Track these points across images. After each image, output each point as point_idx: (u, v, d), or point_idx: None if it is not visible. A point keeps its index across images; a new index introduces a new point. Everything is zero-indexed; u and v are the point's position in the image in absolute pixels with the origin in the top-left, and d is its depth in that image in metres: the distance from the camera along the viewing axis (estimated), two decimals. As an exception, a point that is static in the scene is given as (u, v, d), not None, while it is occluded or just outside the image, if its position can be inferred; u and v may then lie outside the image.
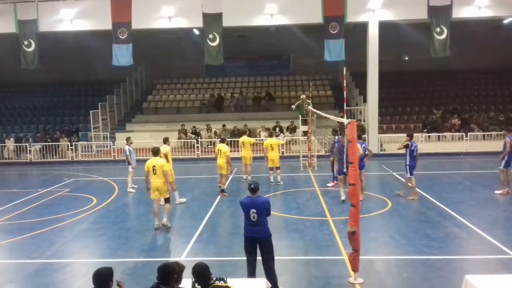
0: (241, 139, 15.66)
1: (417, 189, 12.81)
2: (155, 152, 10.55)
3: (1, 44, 21.77)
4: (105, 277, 4.34)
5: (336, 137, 13.95)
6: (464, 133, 21.23)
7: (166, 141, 13.02)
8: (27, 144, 22.19)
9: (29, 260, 8.66)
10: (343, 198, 12.06)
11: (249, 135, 16.12)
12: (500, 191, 12.75)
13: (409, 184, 12.53)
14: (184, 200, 12.84)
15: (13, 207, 12.82)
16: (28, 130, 25.39)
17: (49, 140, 22.54)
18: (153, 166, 10.20)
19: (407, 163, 12.31)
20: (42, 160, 21.75)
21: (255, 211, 6.83)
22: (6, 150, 22.27)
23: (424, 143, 20.56)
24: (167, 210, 10.46)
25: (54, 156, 21.94)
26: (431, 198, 12.43)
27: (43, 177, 18.15)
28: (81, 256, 9.08)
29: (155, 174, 10.18)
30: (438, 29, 19.53)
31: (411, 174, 12.31)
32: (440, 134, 21.65)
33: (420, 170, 16.48)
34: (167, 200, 10.46)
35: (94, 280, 4.31)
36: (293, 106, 19.18)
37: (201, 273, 4.64)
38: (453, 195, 12.88)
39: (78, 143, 22.41)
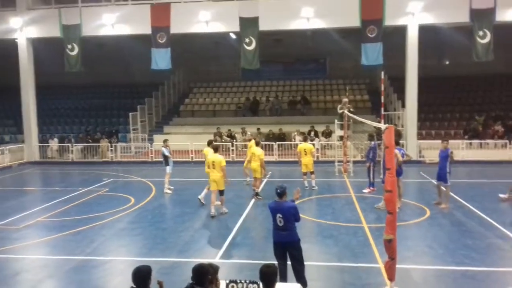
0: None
1: (458, 197, 12.43)
2: (215, 148, 12.04)
3: (46, 47, 22.68)
4: (145, 275, 4.44)
5: (373, 143, 13.74)
6: (507, 140, 20.41)
7: (210, 144, 13.25)
8: (70, 144, 22.98)
9: (69, 257, 8.95)
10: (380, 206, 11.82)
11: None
12: None
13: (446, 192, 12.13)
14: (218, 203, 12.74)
15: (55, 205, 13.29)
16: (70, 131, 26.31)
17: (90, 140, 23.27)
18: (213, 161, 11.56)
19: (448, 170, 11.88)
20: (83, 160, 22.47)
21: (281, 215, 6.80)
22: (50, 150, 23.14)
23: (466, 150, 19.93)
24: (222, 201, 11.83)
25: (95, 156, 22.63)
26: (472, 207, 12.02)
27: (84, 176, 18.74)
28: (119, 254, 9.31)
29: (214, 168, 11.53)
30: (480, 33, 18.91)
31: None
32: (482, 141, 20.91)
33: (461, 178, 16.11)
34: (221, 192, 11.74)
35: (134, 278, 4.41)
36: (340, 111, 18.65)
37: (272, 274, 4.55)
38: (496, 204, 12.40)
39: (117, 144, 23.02)
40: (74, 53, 21.33)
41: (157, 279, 4.58)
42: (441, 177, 12.04)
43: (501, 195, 12.85)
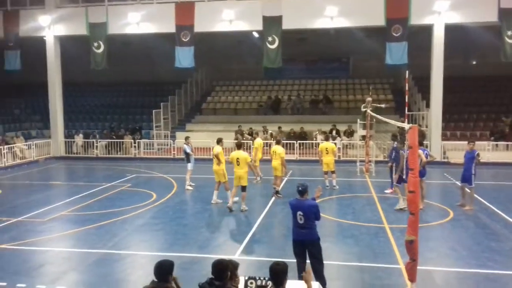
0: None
1: (482, 200, 12.17)
2: (239, 145, 12.35)
3: (73, 45, 23.17)
4: (167, 269, 4.48)
5: (395, 143, 13.55)
6: (536, 143, 19.87)
7: (219, 141, 13.15)
8: (94, 140, 23.42)
9: (92, 250, 9.13)
10: (401, 207, 11.63)
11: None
12: None
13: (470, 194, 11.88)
14: (220, 201, 12.80)
15: (79, 199, 13.58)
16: (95, 127, 26.80)
17: (114, 137, 23.65)
18: (237, 158, 11.84)
19: (473, 172, 11.65)
20: (107, 155, 22.86)
21: (301, 213, 6.78)
22: (75, 145, 23.62)
23: (491, 152, 19.49)
24: (243, 197, 11.98)
25: (118, 152, 22.99)
26: (497, 210, 11.75)
27: (108, 172, 19.08)
28: (140, 249, 9.44)
29: (238, 165, 11.83)
30: (509, 33, 18.45)
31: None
32: (509, 143, 20.40)
33: (486, 180, 15.75)
34: (244, 189, 11.92)
35: (156, 271, 4.46)
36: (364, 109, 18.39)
37: (281, 272, 4.52)
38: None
39: (140, 140, 23.35)
40: (100, 51, 21.71)
41: (173, 276, 4.62)
42: (466, 178, 11.81)
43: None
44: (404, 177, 11.34)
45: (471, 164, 11.67)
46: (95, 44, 21.64)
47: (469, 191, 11.94)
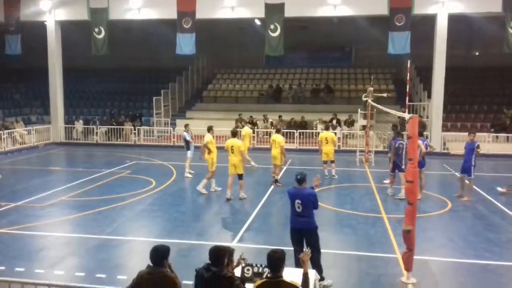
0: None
1: (481, 191, 12.20)
2: (234, 133, 12.25)
3: (73, 31, 23.02)
4: (162, 254, 4.51)
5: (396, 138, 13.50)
6: (537, 135, 19.83)
7: (209, 130, 12.87)
8: (94, 127, 23.40)
9: (91, 236, 9.17)
10: (402, 197, 11.60)
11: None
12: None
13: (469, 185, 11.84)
14: (219, 188, 12.81)
15: (78, 185, 13.60)
16: (95, 113, 26.75)
17: (114, 123, 23.63)
18: (232, 146, 11.79)
19: (473, 163, 11.62)
20: (107, 142, 22.86)
21: (300, 202, 6.79)
22: (75, 131, 23.62)
23: (492, 144, 19.46)
24: (241, 185, 11.93)
25: (118, 139, 22.98)
26: (495, 201, 11.77)
27: (107, 158, 19.10)
28: (139, 235, 9.48)
29: (232, 152, 11.78)
30: (513, 23, 18.27)
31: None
32: (509, 135, 20.36)
33: (486, 171, 15.75)
34: (240, 177, 11.87)
35: (151, 256, 4.49)
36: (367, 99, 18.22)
37: (278, 260, 4.50)
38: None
39: (140, 127, 23.33)
40: (101, 36, 21.55)
41: (168, 260, 4.64)
42: (466, 169, 11.81)
43: (499, 188, 12.80)
44: (402, 167, 11.39)
45: (471, 156, 11.65)
46: (96, 30, 21.48)
47: (468, 182, 11.93)
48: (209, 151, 12.48)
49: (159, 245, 4.59)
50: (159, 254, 4.48)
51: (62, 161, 19.69)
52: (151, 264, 4.48)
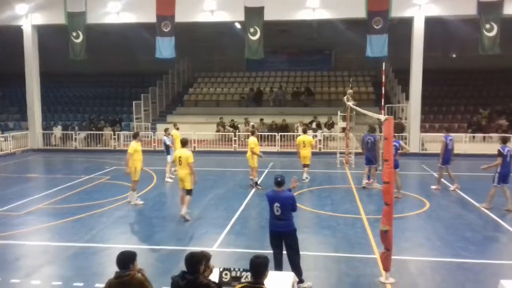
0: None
1: (458, 190, 12.45)
2: (184, 143, 10.86)
3: (51, 35, 22.69)
4: (128, 257, 4.50)
5: (365, 134, 13.82)
6: (511, 135, 20.25)
7: (135, 136, 12.35)
8: (73, 132, 23.07)
9: (69, 243, 9.03)
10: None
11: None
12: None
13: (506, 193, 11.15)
14: (141, 202, 12.03)
15: (56, 192, 13.38)
16: (74, 119, 26.40)
17: (93, 129, 23.35)
18: (179, 157, 10.46)
19: (498, 170, 10.96)
20: (87, 148, 22.57)
21: (278, 205, 6.81)
22: (53, 137, 23.25)
23: (469, 144, 19.85)
24: (187, 201, 10.48)
25: (98, 145, 22.71)
26: (472, 201, 12.00)
27: (87, 164, 18.84)
28: (118, 242, 9.36)
29: (180, 164, 10.42)
30: (487, 26, 18.67)
31: (498, 183, 10.98)
32: (486, 134, 20.80)
33: (463, 171, 16.03)
34: (188, 192, 10.46)
35: (118, 260, 4.49)
36: (347, 102, 18.28)
37: (261, 265, 4.47)
38: (496, 198, 12.28)
39: (120, 132, 23.10)
40: (79, 41, 21.31)
41: (138, 268, 4.61)
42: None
43: (432, 187, 13.44)
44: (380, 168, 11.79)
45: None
46: (74, 34, 21.22)
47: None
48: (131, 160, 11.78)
49: (125, 251, 4.62)
50: (126, 259, 4.49)
51: (40, 168, 19.34)
52: (117, 270, 4.48)
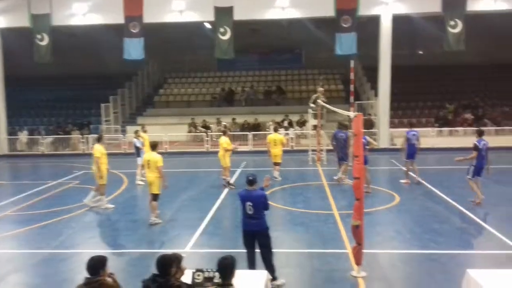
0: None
1: (426, 183, 12.72)
2: (153, 146, 10.46)
3: (15, 38, 22.05)
4: (97, 264, 4.38)
5: (336, 131, 14.02)
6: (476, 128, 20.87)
7: (99, 139, 12.29)
8: (40, 137, 22.47)
9: (36, 250, 8.77)
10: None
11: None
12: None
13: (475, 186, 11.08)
14: (112, 206, 11.84)
15: (23, 198, 13.00)
16: (41, 123, 25.74)
17: (61, 133, 22.82)
18: (148, 160, 10.22)
19: (473, 163, 10.92)
20: (54, 152, 22.03)
21: (251, 204, 6.79)
22: (19, 143, 22.59)
23: (436, 138, 20.34)
24: (152, 207, 10.23)
25: (66, 149, 22.21)
26: (440, 193, 12.28)
27: (54, 169, 18.39)
28: (87, 247, 9.14)
29: (149, 168, 10.16)
30: (452, 23, 19.18)
31: (472, 176, 10.95)
32: (452, 128, 21.36)
33: (431, 164, 16.41)
34: (154, 197, 10.17)
35: (87, 266, 4.37)
36: (311, 104, 18.48)
37: (228, 266, 4.47)
38: (463, 190, 12.59)
39: (89, 136, 22.63)
40: (44, 43, 20.81)
41: (109, 272, 4.51)
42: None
43: (401, 181, 13.75)
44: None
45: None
46: (39, 37, 20.72)
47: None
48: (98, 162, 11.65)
49: (95, 255, 4.48)
50: (96, 264, 4.37)
51: (6, 174, 18.74)
52: (87, 275, 4.36)
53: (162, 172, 10.09)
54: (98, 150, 11.69)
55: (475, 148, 10.84)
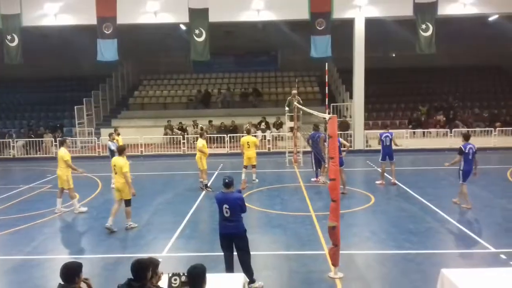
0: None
1: (401, 184, 12.92)
2: (121, 150, 10.18)
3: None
4: (72, 271, 4.28)
5: (312, 133, 14.14)
6: (448, 129, 21.39)
7: (62, 143, 12.05)
8: (10, 140, 21.86)
9: (7, 257, 8.54)
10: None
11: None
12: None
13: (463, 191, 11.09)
14: (85, 209, 11.71)
15: (-7, 204, 12.63)
16: (12, 126, 25.02)
17: (32, 136, 22.25)
18: (114, 165, 9.96)
19: (461, 168, 10.92)
20: (26, 156, 21.46)
21: (227, 206, 6.76)
22: (-12, 147, 21.92)
23: (409, 139, 20.73)
24: (127, 213, 10.03)
25: (38, 152, 21.67)
26: (414, 194, 12.50)
27: (26, 173, 17.94)
28: (61, 253, 8.97)
29: (116, 173, 9.93)
30: (423, 26, 19.57)
31: (464, 180, 10.94)
32: (425, 130, 21.82)
33: (405, 165, 16.70)
34: (127, 203, 9.96)
35: (61, 273, 4.27)
36: (287, 108, 18.52)
37: (199, 275, 4.42)
38: (437, 190, 12.98)
39: (62, 139, 22.09)
40: (14, 44, 20.24)
41: (84, 277, 4.42)
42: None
43: (377, 182, 13.98)
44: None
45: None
46: (8, 37, 20.13)
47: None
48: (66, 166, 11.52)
49: (70, 262, 4.38)
50: (70, 271, 4.27)
51: (-25, 179, 18.16)
52: (61, 282, 4.25)
53: (128, 178, 9.78)
54: (67, 154, 11.50)
55: (460, 152, 10.89)
